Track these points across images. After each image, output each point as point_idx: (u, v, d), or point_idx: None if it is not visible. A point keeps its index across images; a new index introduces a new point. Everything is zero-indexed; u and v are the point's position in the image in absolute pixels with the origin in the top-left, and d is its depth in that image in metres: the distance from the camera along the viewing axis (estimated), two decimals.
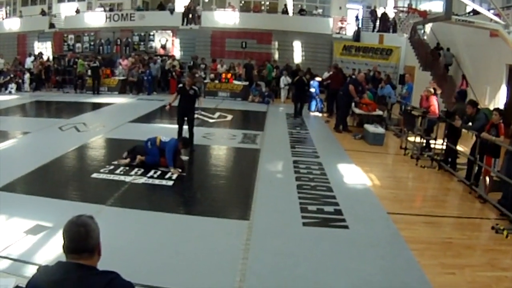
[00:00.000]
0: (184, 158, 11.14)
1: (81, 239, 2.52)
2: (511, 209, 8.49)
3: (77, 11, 35.78)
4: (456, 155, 12.09)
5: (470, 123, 11.27)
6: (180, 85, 13.35)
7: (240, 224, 7.45)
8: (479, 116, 10.93)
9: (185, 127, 12.60)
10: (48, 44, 34.37)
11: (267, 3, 36.89)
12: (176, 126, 12.63)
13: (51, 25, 35.86)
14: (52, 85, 27.54)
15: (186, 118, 12.55)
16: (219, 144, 13.88)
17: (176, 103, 12.66)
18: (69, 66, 28.75)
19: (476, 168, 10.37)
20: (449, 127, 12.20)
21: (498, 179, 9.62)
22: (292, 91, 22.44)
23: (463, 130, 11.91)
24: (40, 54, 31.06)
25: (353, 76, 20.78)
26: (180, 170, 10.29)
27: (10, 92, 25.11)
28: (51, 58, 31.50)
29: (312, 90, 21.51)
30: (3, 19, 39.49)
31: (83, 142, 13.13)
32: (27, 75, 26.86)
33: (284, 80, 24.47)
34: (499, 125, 9.79)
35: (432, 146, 13.49)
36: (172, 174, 10.03)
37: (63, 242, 2.55)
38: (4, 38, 35.91)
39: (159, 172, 10.10)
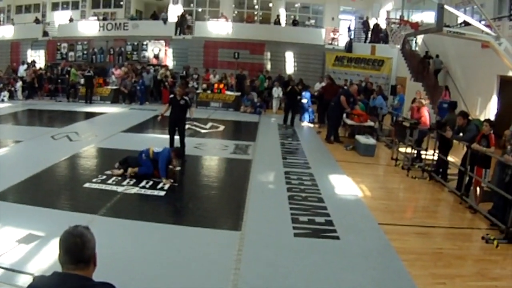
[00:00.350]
0: (177, 168, 11.14)
1: (77, 249, 2.55)
2: (502, 219, 8.55)
3: (71, 20, 35.74)
4: (447, 166, 12.16)
5: (461, 134, 11.35)
6: (172, 95, 13.37)
7: (232, 235, 7.47)
8: (470, 127, 11.03)
9: (176, 137, 12.65)
10: (42, 52, 34.29)
11: (260, 13, 37.03)
12: (168, 136, 12.67)
13: (45, 33, 35.76)
14: (45, 94, 27.46)
15: (176, 128, 12.59)
16: (211, 155, 13.88)
17: (168, 113, 12.69)
18: (62, 75, 28.68)
19: (467, 178, 10.46)
20: (440, 138, 12.28)
21: (489, 189, 9.70)
22: (284, 101, 22.53)
23: (454, 141, 11.98)
24: (33, 62, 31.10)
25: (345, 87, 20.91)
26: (172, 181, 10.30)
27: (2, 100, 25.06)
28: (43, 66, 31.50)
29: (304, 101, 21.53)
30: None
31: (75, 152, 13.11)
32: (19, 83, 26.81)
33: (277, 90, 24.47)
34: (489, 135, 9.88)
35: (423, 156, 13.56)
36: (164, 184, 10.04)
37: (59, 252, 2.57)
38: None
39: (151, 183, 10.10)
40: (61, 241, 2.58)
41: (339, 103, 16.71)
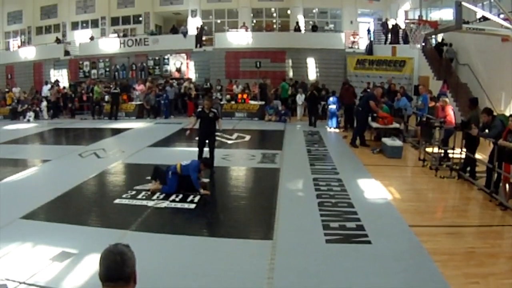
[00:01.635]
0: (205, 180, 11.22)
1: (117, 267, 2.59)
2: None
3: (92, 38, 36.30)
4: (475, 164, 12.06)
5: (486, 130, 11.27)
6: (199, 108, 13.34)
7: (264, 244, 7.50)
8: (495, 123, 10.94)
9: (205, 149, 12.73)
10: (64, 72, 34.98)
11: (279, 21, 37.14)
12: (196, 148, 12.74)
13: (66, 53, 36.46)
14: (70, 113, 27.81)
15: (207, 141, 12.66)
16: (239, 165, 13.93)
17: (196, 126, 12.79)
18: (87, 93, 29.07)
19: (495, 175, 10.36)
20: (466, 136, 12.19)
21: None
22: (306, 106, 23.34)
23: (481, 138, 11.89)
24: (57, 81, 31.59)
25: (368, 90, 20.97)
26: (209, 192, 10.41)
27: (28, 121, 25.59)
28: (67, 85, 31.97)
29: (332, 106, 21.56)
30: (18, 47, 40.07)
31: (104, 168, 13.29)
32: (44, 103, 27.35)
33: (300, 97, 24.52)
34: None
35: (450, 156, 13.47)
36: (197, 195, 10.13)
37: (99, 269, 2.62)
38: (20, 67, 36.57)
39: (181, 196, 10.17)
40: (102, 259, 2.62)
41: (366, 107, 16.69)
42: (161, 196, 10.16)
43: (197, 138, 13.04)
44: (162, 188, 10.47)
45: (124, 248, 2.68)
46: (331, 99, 21.74)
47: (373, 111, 16.71)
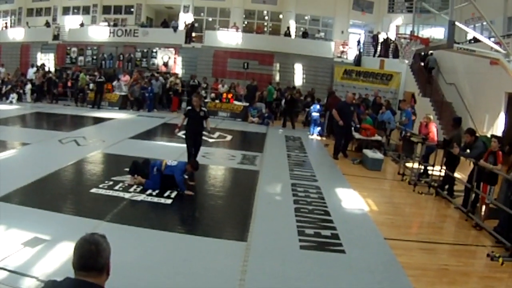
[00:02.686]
0: (191, 183, 11.09)
1: (91, 256, 2.56)
2: (507, 236, 8.54)
3: (81, 25, 36.10)
4: (454, 182, 12.15)
5: (468, 150, 11.36)
6: (189, 107, 12.80)
7: (238, 245, 7.47)
8: (477, 144, 11.05)
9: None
10: (51, 56, 34.77)
11: (270, 24, 37.17)
12: (178, 144, 12.59)
13: (55, 37, 36.17)
14: (53, 98, 27.52)
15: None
16: (218, 164, 13.85)
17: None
18: (72, 79, 28.82)
19: (473, 195, 10.44)
20: (447, 154, 12.28)
21: (495, 206, 9.69)
22: (284, 108, 24.07)
23: (462, 157, 11.98)
24: (43, 65, 31.31)
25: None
26: (193, 193, 10.29)
27: (11, 102, 25.23)
28: (53, 69, 31.70)
29: (315, 114, 21.68)
30: (6, 28, 39.73)
31: (83, 156, 13.16)
32: (28, 86, 27.04)
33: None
34: (497, 152, 9.89)
35: (429, 172, 13.55)
36: (173, 193, 10.01)
37: (73, 257, 2.58)
38: (7, 47, 36.26)
39: (158, 190, 10.10)
40: (76, 247, 2.59)
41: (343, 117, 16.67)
42: (138, 189, 10.07)
43: (179, 134, 12.93)
44: (146, 183, 10.34)
45: (100, 238, 2.65)
46: (314, 107, 21.95)
47: (338, 120, 16.59)
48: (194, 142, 12.30)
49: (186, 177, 10.76)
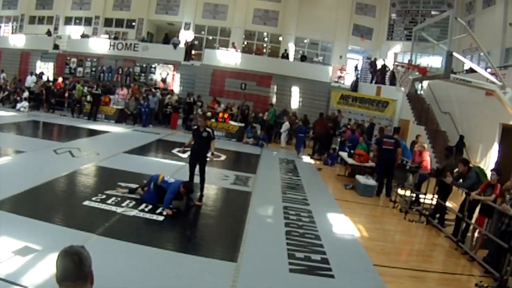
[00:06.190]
0: (197, 203, 11.14)
1: (75, 266, 2.58)
2: (496, 267, 8.59)
3: (83, 35, 36.23)
4: (445, 211, 12.23)
5: (461, 180, 11.44)
6: (195, 126, 12.77)
7: (228, 266, 7.48)
8: (470, 175, 11.18)
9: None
10: (50, 65, 34.79)
11: (269, 46, 37.43)
12: (172, 161, 12.55)
13: (55, 46, 36.20)
14: (51, 107, 27.60)
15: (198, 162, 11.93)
16: (211, 184, 13.57)
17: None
18: (69, 90, 28.89)
19: (464, 225, 10.54)
20: (440, 183, 12.37)
21: (485, 237, 9.77)
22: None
23: (454, 186, 12.06)
24: (41, 74, 31.40)
25: (349, 126, 21.70)
26: (174, 210, 10.20)
27: (19, 110, 25.29)
28: (51, 79, 31.76)
29: (301, 135, 22.62)
30: (7, 34, 39.86)
31: (77, 168, 13.17)
32: (26, 93, 27.05)
33: (287, 125, 24.61)
34: (495, 185, 9.96)
35: (421, 200, 13.62)
36: (164, 211, 10.00)
37: (56, 271, 2.60)
38: (7, 53, 36.29)
39: (150, 206, 10.13)
40: (58, 260, 2.61)
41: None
42: (131, 204, 10.10)
43: (174, 151, 12.90)
44: (142, 196, 10.46)
45: (80, 248, 2.68)
46: (300, 128, 23.22)
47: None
48: (196, 162, 11.89)
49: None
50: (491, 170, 10.60)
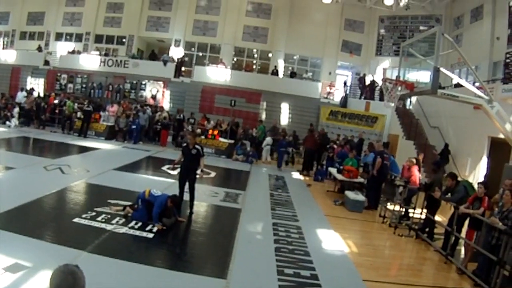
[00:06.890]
0: (181, 219, 11.15)
1: (68, 286, 2.62)
2: (486, 280, 8.67)
3: (73, 51, 36.24)
4: (434, 225, 12.31)
5: (449, 194, 11.54)
6: (184, 144, 12.85)
7: (217, 282, 7.50)
8: (458, 188, 11.30)
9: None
10: (41, 81, 34.77)
11: (259, 63, 37.59)
12: (162, 178, 12.53)
13: (46, 62, 36.34)
14: (42, 123, 27.54)
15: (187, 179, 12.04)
16: (201, 201, 13.56)
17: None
18: (60, 106, 28.84)
19: (453, 238, 10.64)
20: (428, 197, 12.46)
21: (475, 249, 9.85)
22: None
23: (442, 201, 12.15)
24: (32, 89, 31.38)
25: (337, 142, 21.81)
26: (164, 227, 10.20)
27: (9, 127, 25.26)
28: (41, 95, 31.75)
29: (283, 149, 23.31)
30: None
31: (67, 185, 13.13)
32: (16, 109, 27.02)
33: (269, 140, 24.62)
34: (483, 198, 10.06)
35: (410, 215, 13.70)
36: (155, 227, 10.02)
37: None
38: None
39: (140, 224, 10.13)
40: (52, 279, 2.64)
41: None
42: (121, 221, 10.10)
43: (164, 168, 12.88)
44: (133, 215, 10.46)
45: (74, 268, 2.71)
46: (281, 142, 23.77)
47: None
48: (185, 179, 12.00)
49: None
50: (478, 183, 10.71)
